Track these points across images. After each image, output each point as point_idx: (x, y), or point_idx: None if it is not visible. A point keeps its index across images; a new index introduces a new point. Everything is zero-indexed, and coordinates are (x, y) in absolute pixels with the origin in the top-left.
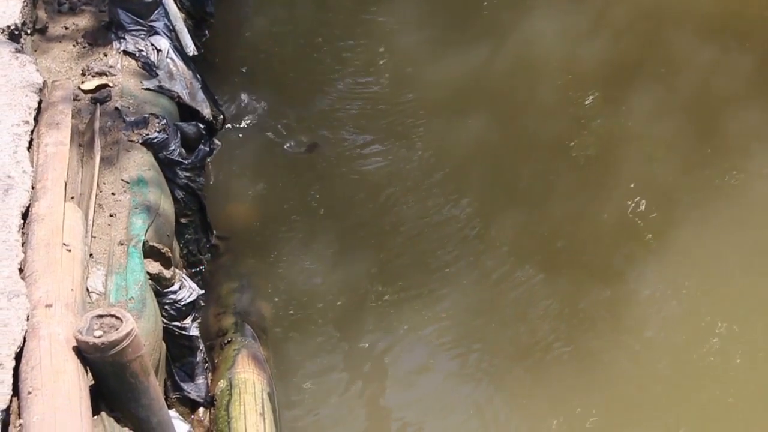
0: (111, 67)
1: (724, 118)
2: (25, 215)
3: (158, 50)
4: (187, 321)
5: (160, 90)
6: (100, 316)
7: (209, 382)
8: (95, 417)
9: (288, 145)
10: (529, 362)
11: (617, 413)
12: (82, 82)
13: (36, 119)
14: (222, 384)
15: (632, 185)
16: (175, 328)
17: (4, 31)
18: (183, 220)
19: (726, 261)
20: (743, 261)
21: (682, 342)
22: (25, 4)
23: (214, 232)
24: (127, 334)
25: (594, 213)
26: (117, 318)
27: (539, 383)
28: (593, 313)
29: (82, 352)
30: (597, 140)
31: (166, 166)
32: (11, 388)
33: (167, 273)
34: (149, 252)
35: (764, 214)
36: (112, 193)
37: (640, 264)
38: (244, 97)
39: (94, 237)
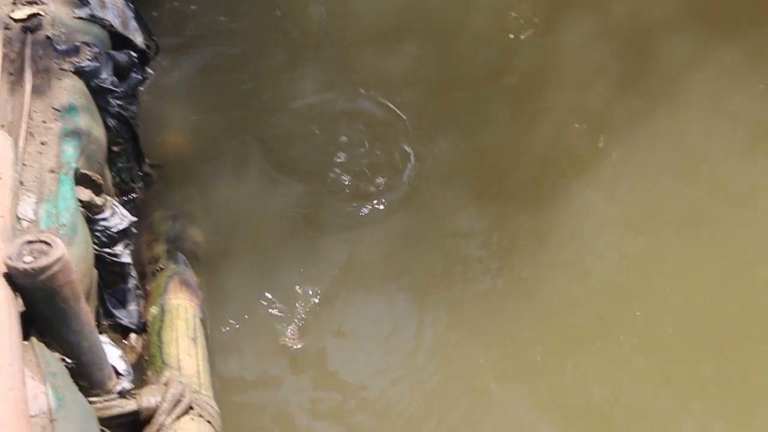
0: None
1: (656, 43)
2: None
3: None
4: (119, 247)
5: (92, 18)
6: (30, 242)
7: (141, 308)
8: (25, 342)
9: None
10: (459, 291)
11: (551, 339)
12: (13, 11)
13: None
14: (154, 310)
15: (564, 111)
16: (106, 255)
17: None
18: (115, 149)
19: (658, 179)
20: (676, 178)
21: (618, 265)
22: None
23: (147, 160)
24: (57, 260)
25: (526, 139)
26: (47, 244)
27: (469, 312)
28: (525, 240)
29: (12, 278)
30: (529, 67)
31: (98, 95)
32: None
33: (98, 200)
34: (80, 179)
35: (695, 134)
36: (43, 121)
37: (573, 188)
38: (176, 26)
39: (25, 165)
